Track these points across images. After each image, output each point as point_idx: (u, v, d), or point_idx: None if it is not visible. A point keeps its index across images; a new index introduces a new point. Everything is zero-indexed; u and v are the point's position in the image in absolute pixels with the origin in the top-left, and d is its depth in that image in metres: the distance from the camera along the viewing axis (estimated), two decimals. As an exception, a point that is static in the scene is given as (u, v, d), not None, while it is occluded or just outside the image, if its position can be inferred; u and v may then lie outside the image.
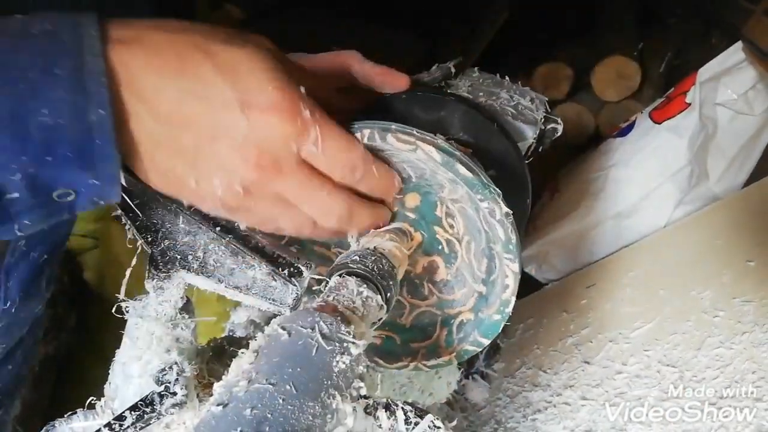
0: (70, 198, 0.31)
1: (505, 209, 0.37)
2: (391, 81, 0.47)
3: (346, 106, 0.50)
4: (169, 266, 0.39)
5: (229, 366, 0.30)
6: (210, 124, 0.32)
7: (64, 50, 0.29)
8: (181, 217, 0.38)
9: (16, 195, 0.29)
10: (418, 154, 0.37)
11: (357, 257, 0.38)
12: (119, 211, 0.38)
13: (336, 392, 0.28)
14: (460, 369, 0.61)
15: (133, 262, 0.40)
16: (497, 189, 0.37)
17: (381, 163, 0.39)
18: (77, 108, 0.29)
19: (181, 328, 0.40)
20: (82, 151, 0.30)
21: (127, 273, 0.39)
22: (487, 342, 0.43)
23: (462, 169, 0.37)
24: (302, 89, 0.34)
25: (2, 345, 0.51)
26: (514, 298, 0.40)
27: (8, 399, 0.63)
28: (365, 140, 0.37)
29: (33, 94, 0.28)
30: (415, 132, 0.38)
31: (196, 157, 0.33)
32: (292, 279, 0.39)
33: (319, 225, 0.38)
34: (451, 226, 0.44)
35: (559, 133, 0.55)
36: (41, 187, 0.30)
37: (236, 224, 0.38)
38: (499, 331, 0.42)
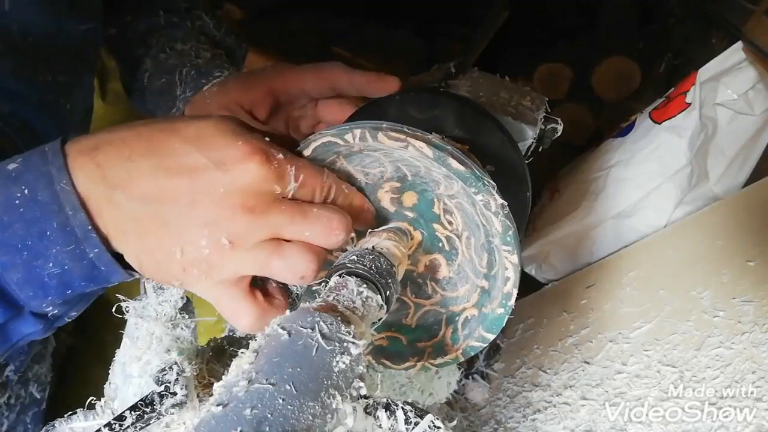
0: (100, 288, 0.36)
1: (500, 201, 0.37)
2: (383, 85, 0.48)
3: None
4: (169, 266, 0.39)
5: (229, 366, 0.30)
6: (188, 190, 0.33)
7: (48, 212, 0.32)
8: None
9: (56, 311, 0.36)
10: (410, 150, 0.37)
11: (355, 257, 0.38)
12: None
13: (336, 392, 0.28)
14: (460, 369, 0.61)
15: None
16: (491, 181, 0.37)
17: (347, 183, 0.40)
18: (75, 254, 0.33)
19: (181, 328, 0.40)
20: (93, 278, 0.34)
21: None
22: (492, 337, 0.42)
23: (454, 163, 0.37)
24: (267, 139, 0.36)
25: None
26: (515, 290, 0.40)
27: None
28: (357, 140, 0.37)
29: (36, 257, 0.33)
30: (405, 129, 0.38)
31: (180, 225, 0.33)
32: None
33: (324, 246, 0.37)
34: (450, 223, 0.44)
35: (559, 133, 0.55)
36: (73, 300, 0.36)
37: None
38: (503, 324, 0.42)
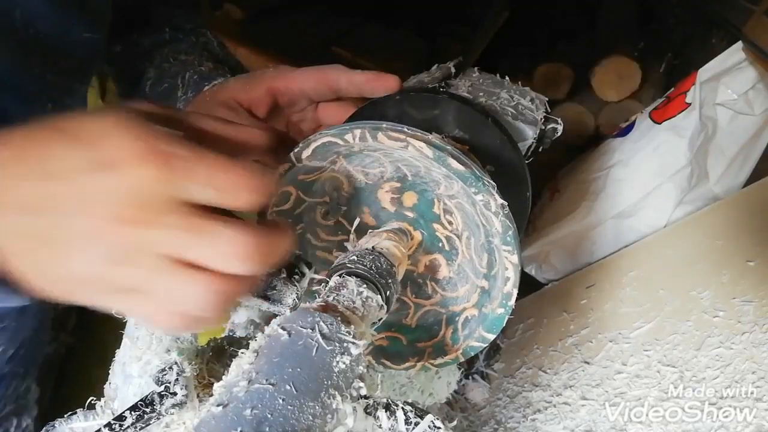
0: None
1: (500, 201, 0.37)
2: (382, 84, 0.47)
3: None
4: (169, 266, 0.39)
5: (229, 366, 0.30)
6: (69, 197, 0.29)
7: None
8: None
9: None
10: (410, 150, 0.37)
11: (355, 257, 0.38)
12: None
13: (336, 392, 0.28)
14: (460, 369, 0.61)
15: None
16: (491, 181, 0.37)
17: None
18: None
19: (181, 328, 0.40)
20: None
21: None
22: (492, 337, 0.42)
23: (454, 164, 0.36)
24: (178, 132, 0.31)
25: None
26: (515, 290, 0.40)
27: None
28: (357, 140, 0.37)
29: None
30: (405, 129, 0.38)
31: (63, 237, 0.29)
32: (293, 279, 0.39)
33: (222, 272, 0.31)
34: (450, 223, 0.44)
35: (559, 133, 0.55)
36: None
37: None
38: (503, 324, 0.42)
